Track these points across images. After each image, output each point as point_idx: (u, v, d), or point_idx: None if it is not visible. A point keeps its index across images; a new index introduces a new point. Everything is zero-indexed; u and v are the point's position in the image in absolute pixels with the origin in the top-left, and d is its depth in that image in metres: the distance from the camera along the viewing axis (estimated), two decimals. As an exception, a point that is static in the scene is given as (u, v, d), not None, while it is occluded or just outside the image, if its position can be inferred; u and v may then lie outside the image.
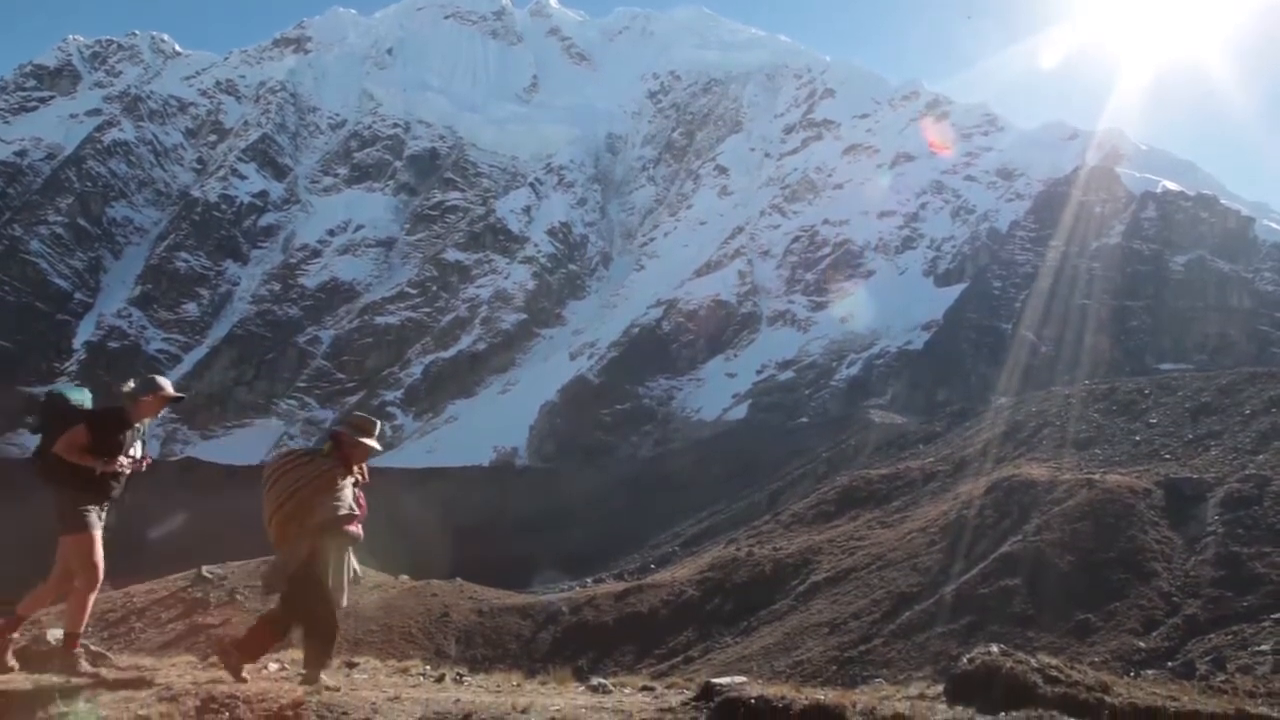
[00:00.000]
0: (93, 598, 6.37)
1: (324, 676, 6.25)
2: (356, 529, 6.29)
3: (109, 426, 6.26)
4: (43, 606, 6.54)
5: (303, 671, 6.33)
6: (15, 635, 6.50)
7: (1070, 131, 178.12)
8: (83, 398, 6.54)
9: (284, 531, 6.17)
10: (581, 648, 27.75)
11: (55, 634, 7.80)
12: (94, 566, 6.24)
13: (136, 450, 6.44)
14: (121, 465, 6.26)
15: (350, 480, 6.34)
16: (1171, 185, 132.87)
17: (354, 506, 6.29)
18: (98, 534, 6.27)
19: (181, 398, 6.67)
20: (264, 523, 6.28)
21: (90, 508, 6.29)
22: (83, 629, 6.27)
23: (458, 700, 5.85)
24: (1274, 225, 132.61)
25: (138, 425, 6.47)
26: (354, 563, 6.40)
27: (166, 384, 6.52)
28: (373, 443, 6.44)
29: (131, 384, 6.52)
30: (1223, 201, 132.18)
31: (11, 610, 6.77)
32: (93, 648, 7.39)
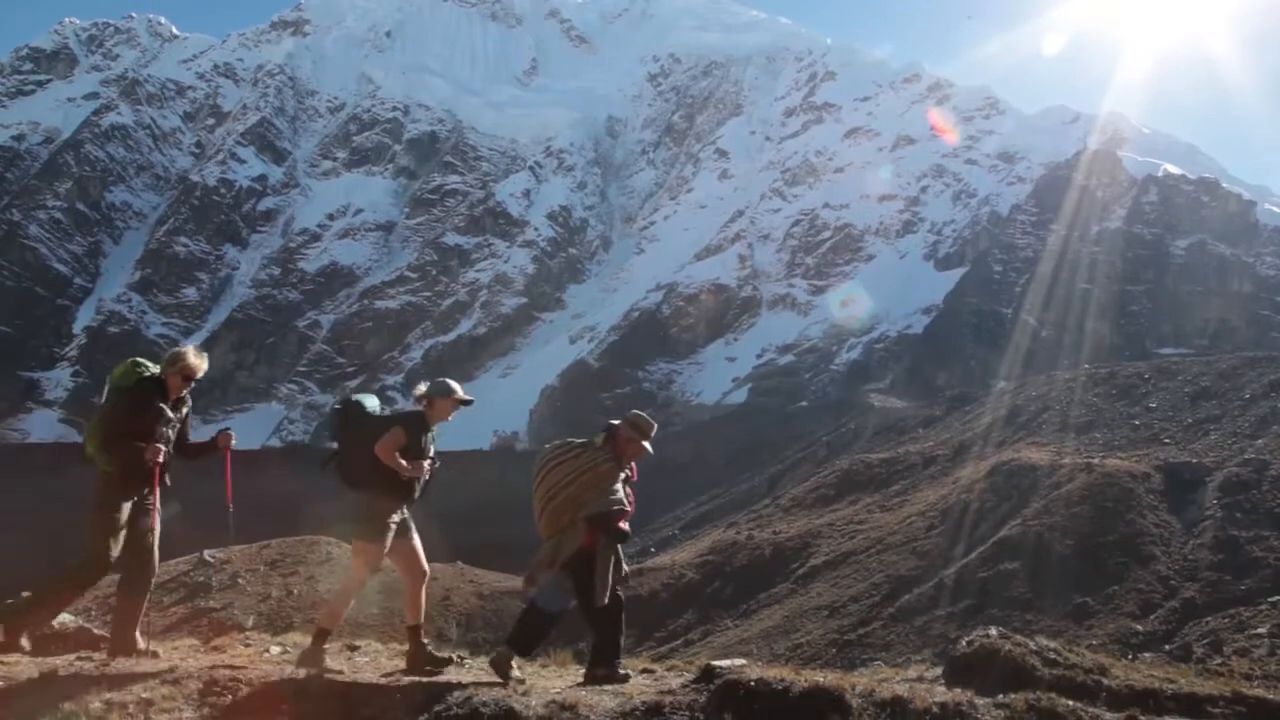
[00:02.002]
0: (350, 599, 6.59)
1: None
2: (627, 525, 6.20)
3: (416, 431, 6.30)
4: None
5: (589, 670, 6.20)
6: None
7: (1072, 115, 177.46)
8: (375, 405, 6.61)
9: (555, 524, 6.13)
10: (582, 630, 27.88)
11: (60, 618, 7.83)
12: (364, 572, 6.38)
13: (431, 453, 6.46)
14: (423, 469, 6.29)
15: (623, 476, 6.26)
16: (1173, 169, 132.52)
17: (625, 502, 6.19)
18: (387, 545, 6.35)
19: (471, 401, 6.61)
20: (535, 514, 6.25)
21: (394, 513, 6.36)
22: (331, 625, 6.43)
23: (459, 683, 5.89)
24: (1275, 209, 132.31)
25: (432, 429, 6.47)
26: (621, 557, 6.27)
27: (459, 387, 6.54)
28: (649, 445, 6.36)
29: (424, 386, 6.53)
30: (1224, 185, 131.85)
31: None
32: (96, 631, 7.43)
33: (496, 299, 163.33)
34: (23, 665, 6.07)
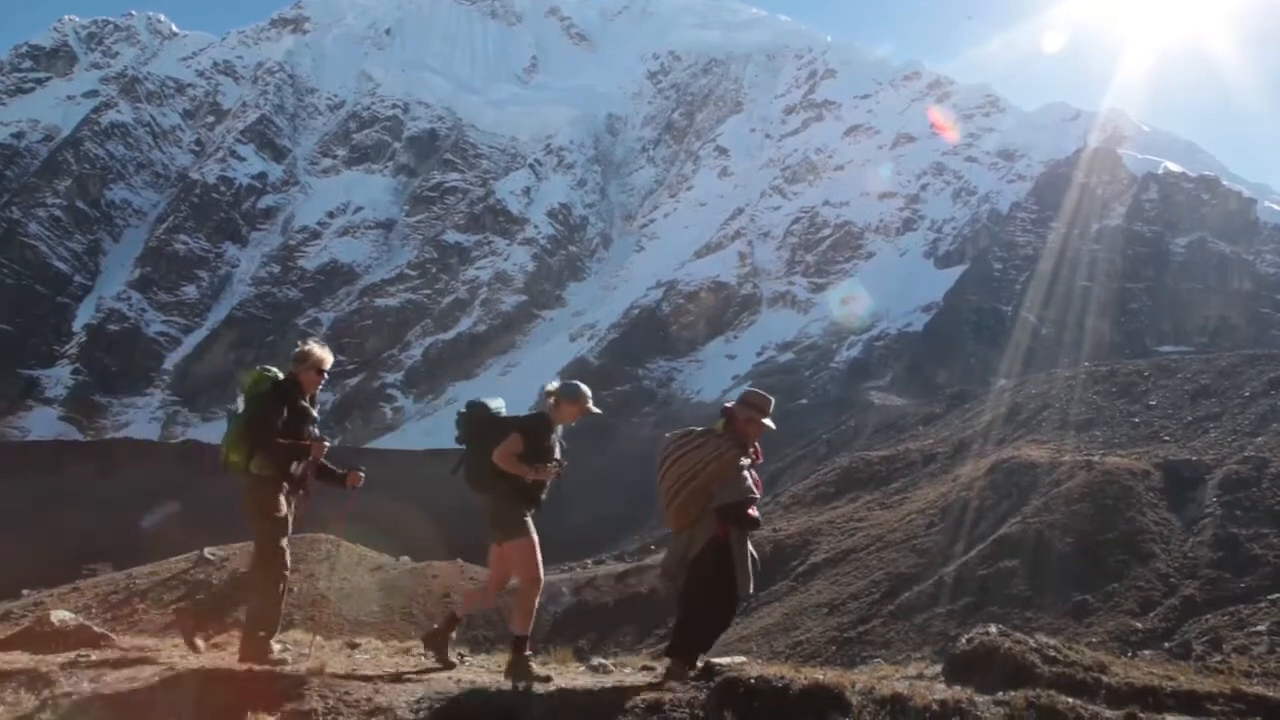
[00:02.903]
0: (536, 600, 6.34)
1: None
2: (756, 513, 5.99)
3: (539, 434, 6.22)
4: (485, 603, 6.51)
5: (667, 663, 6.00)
6: (453, 635, 6.59)
7: (1072, 112, 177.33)
8: (500, 405, 6.54)
9: (683, 517, 5.95)
10: (582, 628, 27.93)
11: (60, 616, 7.84)
12: (536, 569, 6.26)
13: (557, 454, 6.38)
14: (548, 472, 6.20)
15: (747, 461, 6.03)
16: (1173, 167, 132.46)
17: (753, 489, 5.99)
18: (535, 539, 6.27)
19: (599, 412, 6.54)
20: (661, 507, 6.11)
21: (525, 513, 6.28)
22: (529, 630, 6.20)
23: (459, 680, 5.89)
24: (1275, 207, 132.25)
25: (559, 429, 6.40)
26: (752, 550, 6.03)
27: (588, 393, 6.45)
28: (769, 421, 6.11)
29: (555, 385, 6.49)
30: (1224, 183, 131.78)
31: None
32: (95, 629, 7.44)
33: (496, 297, 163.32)
34: (22, 663, 6.08)
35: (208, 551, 28.19)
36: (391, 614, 26.07)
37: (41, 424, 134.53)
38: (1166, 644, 16.61)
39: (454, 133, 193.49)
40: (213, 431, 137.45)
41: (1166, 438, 30.02)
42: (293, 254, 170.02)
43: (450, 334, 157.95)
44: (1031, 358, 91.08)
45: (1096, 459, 27.22)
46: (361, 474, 6.82)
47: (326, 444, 6.51)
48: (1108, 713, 4.83)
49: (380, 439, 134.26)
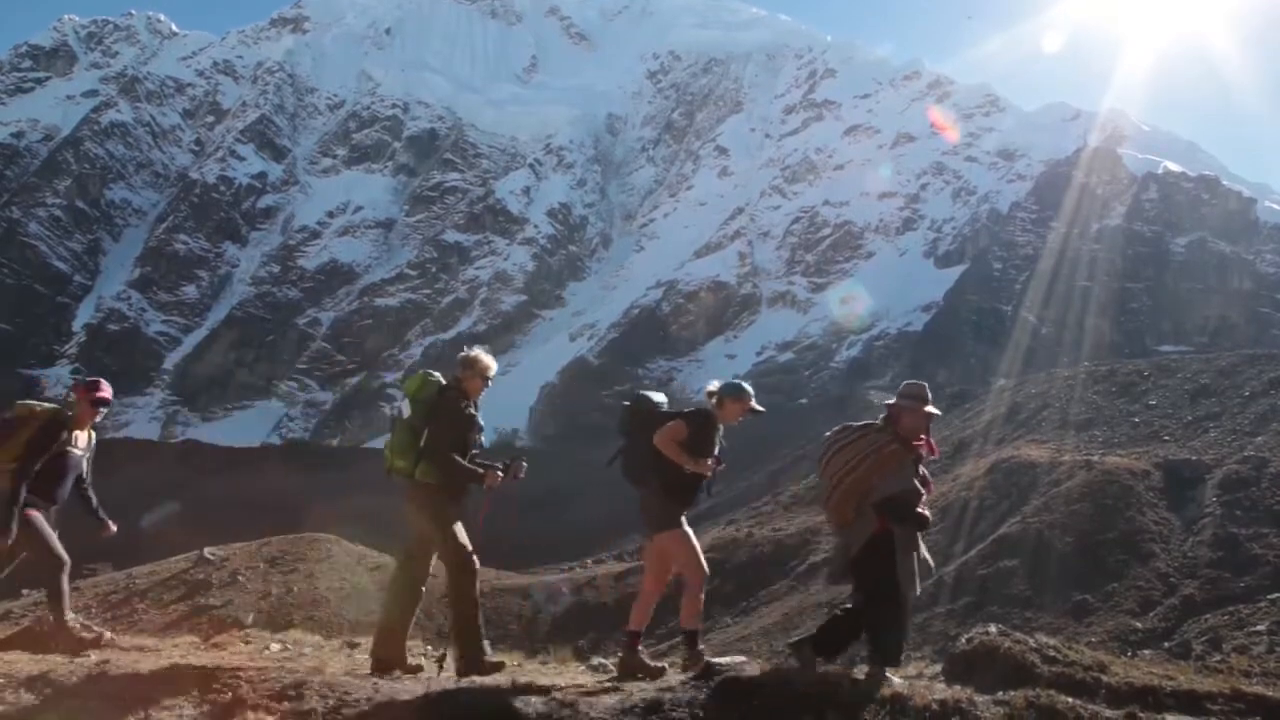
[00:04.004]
0: (702, 593, 6.21)
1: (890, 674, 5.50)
2: (924, 510, 5.74)
3: (702, 427, 6.13)
4: (647, 612, 6.33)
5: (868, 669, 5.62)
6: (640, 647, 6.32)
7: (1072, 112, 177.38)
8: (662, 399, 6.52)
9: (841, 513, 5.75)
10: (582, 628, 27.91)
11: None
12: (698, 557, 6.13)
13: (717, 452, 6.26)
14: (708, 467, 6.10)
15: (912, 457, 5.75)
16: (1173, 167, 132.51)
17: (918, 485, 5.72)
18: (689, 530, 6.17)
19: (762, 411, 6.43)
20: (822, 502, 5.98)
21: (682, 509, 6.18)
22: (700, 624, 6.10)
23: (459, 680, 5.89)
24: (1275, 207, 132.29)
25: (720, 428, 6.31)
26: (924, 550, 5.77)
27: (751, 391, 6.38)
28: (932, 408, 5.84)
29: (716, 385, 6.42)
30: (1224, 183, 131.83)
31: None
32: (95, 628, 7.44)
33: (496, 296, 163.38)
34: (22, 663, 6.08)
35: (207, 551, 28.17)
36: (391, 614, 26.04)
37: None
38: (1166, 644, 16.61)
39: (454, 132, 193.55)
40: (213, 431, 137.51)
41: (1166, 437, 30.01)
42: (293, 254, 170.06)
43: (450, 334, 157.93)
44: (1031, 357, 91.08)
45: (1096, 459, 27.21)
46: (514, 471, 6.54)
47: (500, 474, 6.34)
48: (1108, 712, 4.84)
49: (380, 439, 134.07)
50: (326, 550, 28.20)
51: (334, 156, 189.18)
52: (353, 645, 7.69)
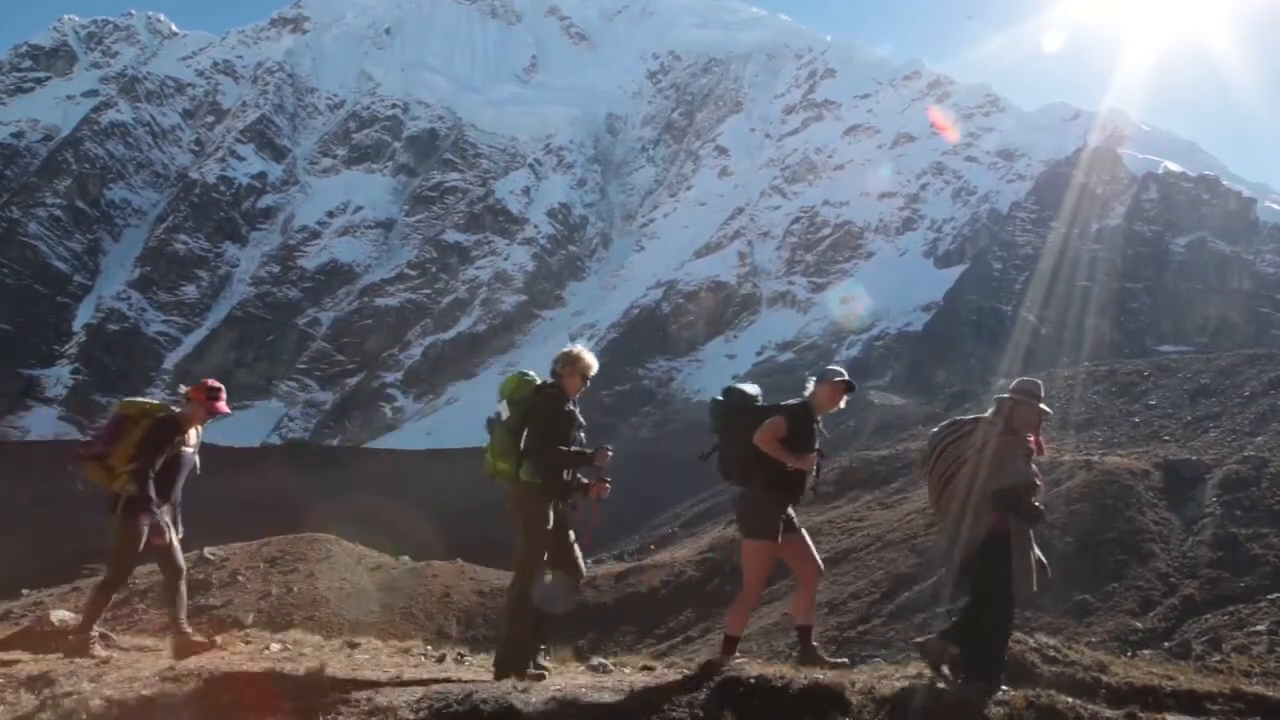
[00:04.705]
0: (749, 609, 6.16)
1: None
2: (1038, 504, 5.58)
3: (802, 421, 6.00)
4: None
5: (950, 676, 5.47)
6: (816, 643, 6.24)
7: (1072, 112, 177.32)
8: (757, 391, 6.38)
9: (951, 509, 5.57)
10: (581, 628, 27.87)
11: (60, 615, 7.84)
12: (755, 579, 6.13)
13: (818, 445, 6.13)
14: (810, 462, 5.97)
15: (1024, 451, 5.61)
16: (1173, 166, 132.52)
17: (1034, 478, 5.56)
18: (779, 538, 6.06)
19: (854, 387, 6.27)
20: (931, 500, 5.86)
21: (782, 508, 6.09)
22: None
23: (459, 680, 5.89)
24: (1275, 207, 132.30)
25: (820, 418, 6.19)
26: (1037, 550, 5.56)
27: (839, 371, 6.21)
28: (1045, 406, 5.73)
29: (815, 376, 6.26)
30: (1224, 183, 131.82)
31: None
32: (96, 628, 7.44)
33: (496, 296, 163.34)
34: (23, 663, 6.08)
35: (207, 551, 28.14)
36: (391, 614, 26.04)
37: (41, 424, 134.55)
38: (1166, 644, 16.61)
39: (454, 132, 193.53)
40: (213, 431, 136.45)
41: (1166, 437, 30.04)
42: (292, 254, 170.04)
43: (450, 334, 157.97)
44: (1031, 357, 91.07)
45: (1096, 459, 27.22)
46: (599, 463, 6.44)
47: (609, 451, 6.32)
48: (1108, 712, 4.84)
49: (380, 439, 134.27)
50: (326, 550, 28.17)
51: (334, 156, 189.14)
52: (353, 645, 7.69)
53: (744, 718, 4.84)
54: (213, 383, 7.24)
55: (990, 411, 5.80)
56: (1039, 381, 5.86)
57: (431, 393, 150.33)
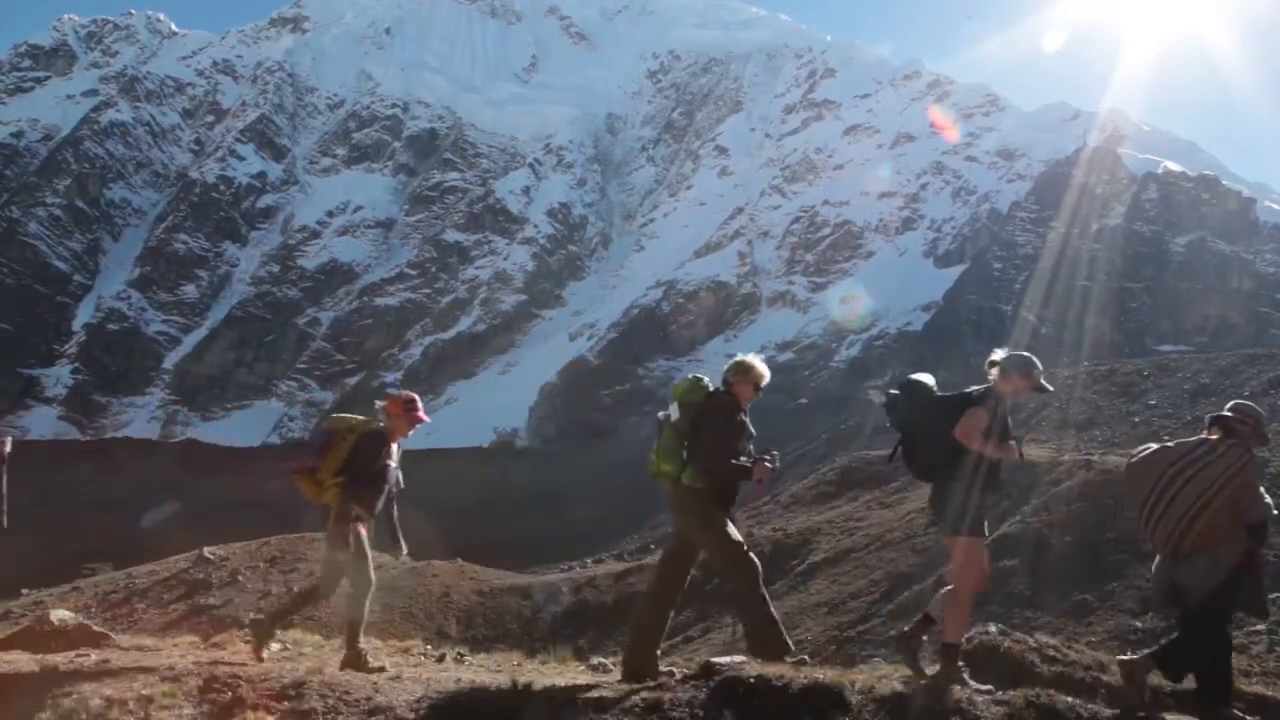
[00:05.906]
0: (969, 606, 5.96)
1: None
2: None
3: (995, 409, 5.59)
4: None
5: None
6: (925, 637, 6.15)
7: (1072, 112, 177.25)
8: (933, 382, 6.09)
9: (1211, 534, 5.26)
10: (582, 628, 27.88)
11: (60, 615, 7.85)
12: (981, 574, 5.95)
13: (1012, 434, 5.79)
14: (1014, 451, 5.69)
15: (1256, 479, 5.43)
16: (1173, 166, 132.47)
17: (1271, 508, 5.37)
18: (986, 537, 5.84)
19: (1049, 389, 5.96)
20: (1142, 523, 5.55)
21: (990, 504, 5.90)
22: (961, 637, 5.78)
23: (459, 679, 5.89)
24: (1275, 206, 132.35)
25: (1008, 405, 5.84)
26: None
27: (1039, 365, 5.86)
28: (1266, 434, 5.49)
29: (1000, 355, 5.88)
30: (1224, 183, 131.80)
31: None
32: (95, 628, 7.44)
33: (496, 296, 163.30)
34: (23, 662, 6.08)
35: (207, 551, 28.17)
36: (391, 614, 26.04)
37: (41, 423, 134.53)
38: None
39: (454, 132, 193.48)
40: (213, 431, 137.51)
41: (1166, 437, 29.97)
42: (292, 253, 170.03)
43: (450, 333, 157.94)
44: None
45: (1096, 458, 27.22)
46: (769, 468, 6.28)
47: (771, 466, 6.17)
48: (1107, 712, 4.84)
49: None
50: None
51: (334, 156, 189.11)
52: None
53: (744, 718, 4.83)
54: (407, 394, 7.30)
55: (1212, 433, 5.53)
56: (1256, 407, 5.65)
57: (431, 393, 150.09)
